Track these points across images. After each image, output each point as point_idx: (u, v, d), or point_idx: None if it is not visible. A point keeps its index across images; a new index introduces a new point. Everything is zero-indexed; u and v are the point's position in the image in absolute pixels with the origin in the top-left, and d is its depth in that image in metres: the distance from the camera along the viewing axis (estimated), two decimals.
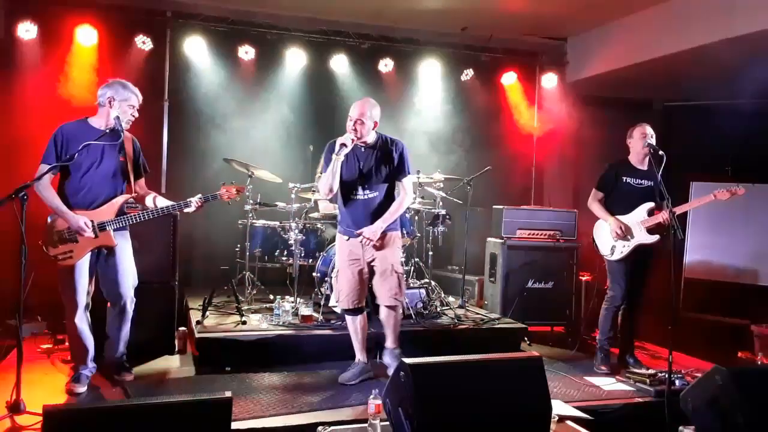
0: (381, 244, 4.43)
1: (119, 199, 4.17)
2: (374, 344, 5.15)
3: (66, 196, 4.08)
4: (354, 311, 4.53)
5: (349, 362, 4.71)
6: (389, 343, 4.64)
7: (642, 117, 6.35)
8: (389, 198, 4.51)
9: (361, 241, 4.38)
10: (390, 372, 4.31)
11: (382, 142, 4.48)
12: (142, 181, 4.39)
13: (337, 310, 4.58)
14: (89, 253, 4.11)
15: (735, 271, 7.15)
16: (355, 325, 4.57)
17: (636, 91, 8.04)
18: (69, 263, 4.05)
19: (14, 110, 6.22)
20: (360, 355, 4.63)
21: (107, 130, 4.05)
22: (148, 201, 4.33)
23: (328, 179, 4.32)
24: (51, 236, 4.03)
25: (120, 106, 4.12)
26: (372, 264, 4.48)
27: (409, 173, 4.54)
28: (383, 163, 4.45)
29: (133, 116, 4.22)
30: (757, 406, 3.36)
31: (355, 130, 4.32)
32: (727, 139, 7.41)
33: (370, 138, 4.43)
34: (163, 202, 4.29)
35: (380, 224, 4.39)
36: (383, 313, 4.56)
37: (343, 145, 4.25)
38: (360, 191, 4.42)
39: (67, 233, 4.02)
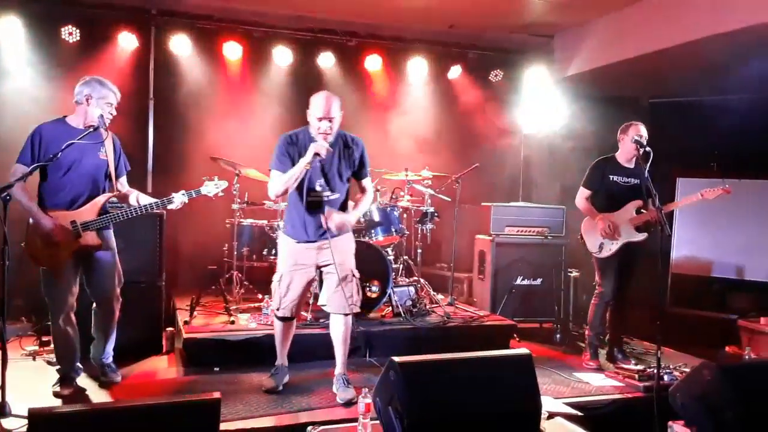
0: (339, 247, 4.16)
1: (101, 198, 4.11)
2: (364, 343, 5.16)
3: (45, 196, 4.02)
4: (289, 318, 4.33)
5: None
6: (340, 367, 4.31)
7: (629, 113, 6.37)
8: (347, 199, 4.30)
9: (325, 230, 4.05)
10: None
11: (343, 140, 4.21)
12: (123, 179, 4.32)
13: (279, 313, 4.28)
14: (73, 255, 4.05)
15: (722, 266, 7.19)
16: (285, 331, 4.38)
17: (623, 87, 8.06)
18: (52, 265, 4.00)
19: None
20: (283, 359, 4.45)
21: (91, 129, 3.98)
22: (132, 199, 4.26)
23: (288, 182, 4.00)
24: (33, 238, 3.96)
25: (98, 103, 4.06)
26: (326, 269, 4.20)
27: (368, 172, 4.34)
28: (346, 162, 4.20)
29: (111, 114, 4.15)
30: (745, 401, 3.38)
31: (329, 131, 4.02)
32: (714, 136, 7.43)
33: (331, 135, 4.11)
34: (146, 200, 4.23)
35: (352, 219, 4.20)
36: (338, 324, 4.23)
37: (317, 154, 3.95)
38: (322, 192, 4.10)
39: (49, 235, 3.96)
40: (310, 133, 4.14)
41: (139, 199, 4.25)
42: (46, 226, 3.91)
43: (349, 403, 4.10)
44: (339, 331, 4.26)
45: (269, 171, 4.22)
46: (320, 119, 4.02)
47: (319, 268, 4.22)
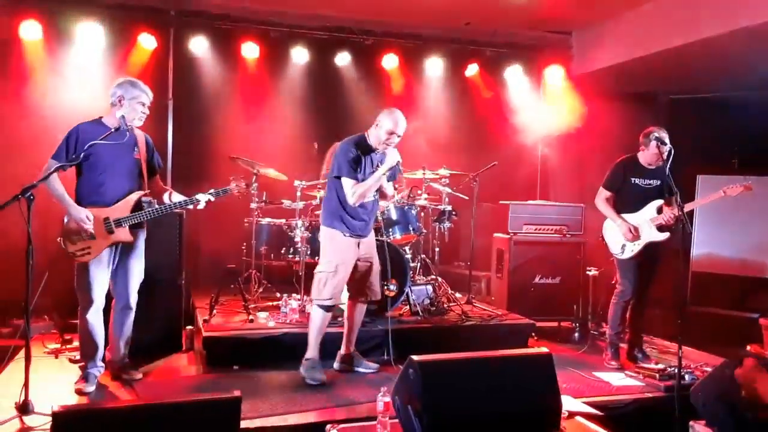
0: (372, 242, 4.70)
1: (134, 196, 4.23)
2: (382, 341, 5.16)
3: (82, 194, 4.14)
4: (333, 307, 4.56)
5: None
6: (353, 345, 4.81)
7: (648, 110, 6.32)
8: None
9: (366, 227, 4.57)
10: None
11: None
12: (156, 177, 4.47)
13: (331, 302, 4.49)
14: (107, 250, 4.17)
15: (742, 264, 7.11)
16: (325, 321, 4.55)
17: (642, 84, 7.99)
18: (86, 259, 4.11)
19: (16, 110, 6.20)
20: (317, 352, 4.56)
21: (113, 129, 4.09)
22: (165, 197, 4.39)
23: (370, 190, 4.41)
24: (69, 233, 4.09)
25: (130, 104, 4.18)
26: (366, 261, 4.62)
27: None
28: None
29: (144, 113, 4.27)
30: None
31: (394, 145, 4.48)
32: (734, 132, 7.36)
33: None
34: (177, 198, 4.36)
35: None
36: (361, 309, 4.75)
37: (399, 161, 4.43)
38: (371, 195, 4.52)
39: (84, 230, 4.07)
40: (367, 142, 4.49)
41: (172, 197, 4.38)
42: (80, 215, 4.01)
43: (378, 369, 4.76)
44: (361, 315, 4.77)
45: (337, 179, 4.44)
46: (393, 134, 4.41)
47: (358, 260, 4.59)
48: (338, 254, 4.50)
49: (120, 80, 4.27)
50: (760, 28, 5.54)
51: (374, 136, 4.46)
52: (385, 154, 4.48)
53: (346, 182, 4.40)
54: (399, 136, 4.44)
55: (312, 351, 4.54)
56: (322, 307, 4.49)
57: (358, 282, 4.65)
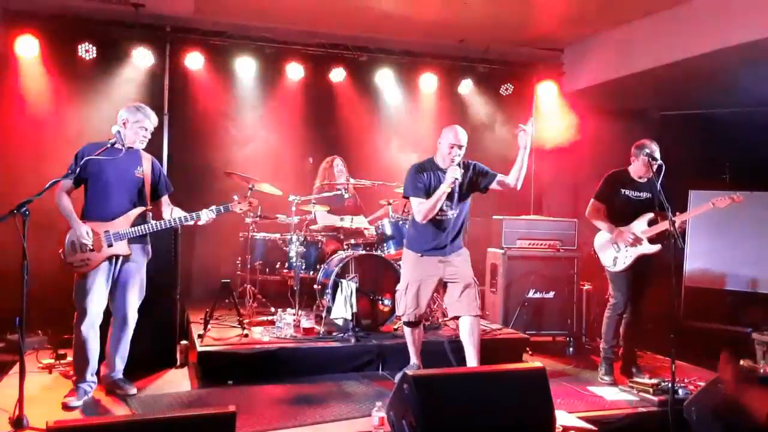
0: (460, 259, 4.66)
1: (135, 211, 4.33)
2: (376, 356, 5.17)
3: (87, 209, 4.28)
4: (416, 323, 4.75)
5: (351, 374, 4.93)
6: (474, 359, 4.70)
7: (639, 126, 6.36)
8: (465, 214, 4.74)
9: (445, 245, 4.55)
10: None
11: (465, 166, 4.64)
12: (162, 199, 4.56)
13: (405, 318, 4.72)
14: (106, 263, 4.25)
15: (735, 279, 7.15)
16: (413, 336, 4.79)
17: (633, 100, 8.07)
18: (84, 270, 4.20)
19: (12, 127, 6.22)
20: (417, 359, 4.82)
21: (109, 144, 4.20)
22: (165, 214, 4.51)
23: (434, 208, 4.47)
24: (70, 245, 4.19)
25: (132, 127, 4.35)
26: (452, 280, 4.64)
27: None
28: (467, 182, 4.64)
29: (145, 137, 4.42)
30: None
31: (458, 157, 4.53)
32: (725, 147, 7.43)
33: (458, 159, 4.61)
34: (178, 213, 4.49)
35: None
36: (468, 324, 4.61)
37: (456, 179, 4.42)
38: (449, 211, 4.58)
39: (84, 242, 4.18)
40: (435, 162, 4.65)
41: (173, 213, 4.51)
42: (80, 231, 4.15)
43: None
44: (472, 332, 4.64)
45: (405, 198, 4.73)
46: (454, 146, 4.52)
47: (443, 280, 4.66)
48: (409, 273, 4.71)
49: (129, 105, 4.43)
50: (748, 45, 5.63)
51: (439, 155, 4.61)
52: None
53: (413, 201, 4.59)
54: (461, 147, 4.53)
55: (413, 358, 4.83)
56: (404, 323, 4.78)
57: (450, 299, 4.72)
